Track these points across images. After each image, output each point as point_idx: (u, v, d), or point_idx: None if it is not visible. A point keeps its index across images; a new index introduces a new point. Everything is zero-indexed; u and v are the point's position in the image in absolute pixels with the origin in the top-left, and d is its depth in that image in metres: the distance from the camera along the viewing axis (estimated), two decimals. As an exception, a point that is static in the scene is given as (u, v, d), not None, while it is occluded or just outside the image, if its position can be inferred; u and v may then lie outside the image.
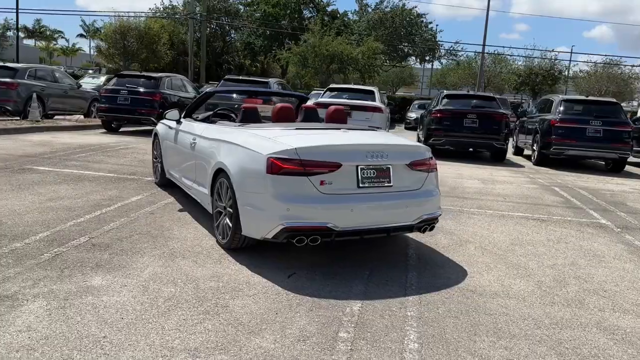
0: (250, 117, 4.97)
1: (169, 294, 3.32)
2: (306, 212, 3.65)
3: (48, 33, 71.86)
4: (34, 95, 13.02)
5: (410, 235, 4.92)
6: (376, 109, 12.35)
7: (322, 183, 3.69)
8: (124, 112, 12.84)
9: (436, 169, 4.38)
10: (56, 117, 14.77)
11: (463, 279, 3.98)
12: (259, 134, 4.20)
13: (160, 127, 6.48)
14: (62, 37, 59.93)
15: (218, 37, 45.53)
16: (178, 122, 5.76)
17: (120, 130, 13.72)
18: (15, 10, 32.95)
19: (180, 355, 2.58)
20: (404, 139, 4.67)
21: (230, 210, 4.05)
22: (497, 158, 12.62)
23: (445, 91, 15.05)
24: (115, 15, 33.94)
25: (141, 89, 12.86)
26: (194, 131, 5.15)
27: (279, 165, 3.65)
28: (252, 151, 3.90)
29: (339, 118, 5.18)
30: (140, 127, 14.05)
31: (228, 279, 3.65)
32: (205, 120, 5.62)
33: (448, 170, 9.85)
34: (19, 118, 12.90)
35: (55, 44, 72.93)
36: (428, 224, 4.18)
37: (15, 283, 3.30)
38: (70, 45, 73.97)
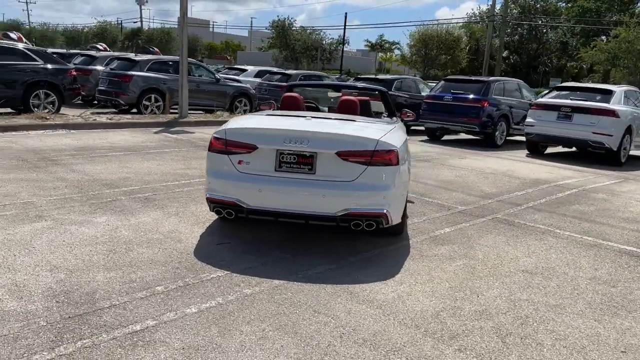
0: (288, 105, 5.35)
1: (126, 236, 4.29)
2: (221, 186, 4.05)
3: (387, 45, 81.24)
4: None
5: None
6: (604, 112, 10.27)
7: (239, 162, 4.00)
8: (446, 120, 12.55)
9: (391, 164, 3.98)
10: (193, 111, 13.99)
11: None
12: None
13: None
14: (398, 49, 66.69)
15: (532, 38, 43.05)
16: None
17: (444, 139, 13.55)
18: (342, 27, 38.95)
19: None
20: (358, 128, 4.26)
21: None
22: None
23: None
24: (421, 25, 36.17)
25: (467, 95, 12.37)
26: None
27: (212, 144, 4.15)
28: None
29: (348, 108, 5.08)
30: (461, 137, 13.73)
31: (175, 234, 4.37)
32: None
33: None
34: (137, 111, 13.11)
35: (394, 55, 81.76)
36: (361, 220, 3.90)
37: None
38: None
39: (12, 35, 18.58)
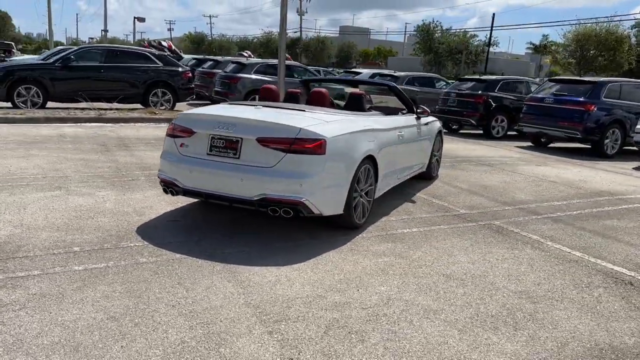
0: (264, 96, 5.55)
1: (104, 207, 4.95)
2: (166, 167, 4.44)
3: (553, 47, 74.67)
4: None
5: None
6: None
7: (181, 145, 4.36)
8: (545, 125, 11.36)
9: (314, 153, 3.97)
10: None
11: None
12: None
13: None
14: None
15: None
16: None
17: (550, 146, 12.45)
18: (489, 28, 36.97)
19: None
20: (287, 117, 4.26)
21: None
22: None
23: None
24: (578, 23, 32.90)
25: (570, 98, 11.03)
26: None
27: (168, 129, 4.57)
28: None
29: (317, 100, 5.12)
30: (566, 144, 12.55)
31: (145, 210, 4.89)
32: None
33: None
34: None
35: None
36: (278, 207, 3.97)
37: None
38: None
39: (164, 43, 21.40)
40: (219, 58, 19.57)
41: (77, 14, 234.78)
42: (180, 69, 13.78)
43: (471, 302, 3.32)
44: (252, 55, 27.93)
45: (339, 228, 4.58)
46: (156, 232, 4.31)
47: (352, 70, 21.43)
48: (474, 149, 10.95)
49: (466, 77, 16.51)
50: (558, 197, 6.60)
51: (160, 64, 13.42)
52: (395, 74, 17.10)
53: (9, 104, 11.70)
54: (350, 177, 4.37)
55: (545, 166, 9.13)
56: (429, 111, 6.47)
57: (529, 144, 12.55)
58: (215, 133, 4.18)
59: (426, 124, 6.56)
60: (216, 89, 15.20)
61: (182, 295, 3.18)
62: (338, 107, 5.83)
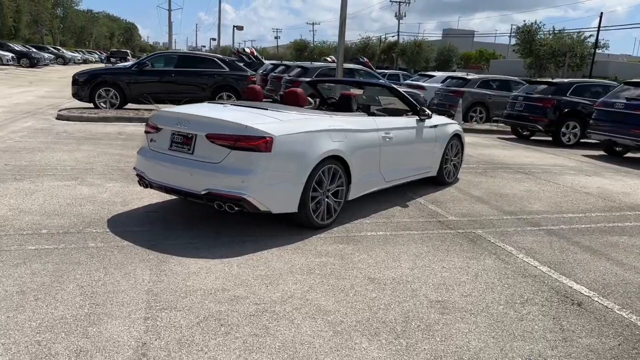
0: (248, 96, 5.75)
1: (101, 197, 5.42)
2: (139, 160, 4.76)
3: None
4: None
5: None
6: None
7: (151, 141, 4.65)
8: (615, 132, 10.51)
9: (258, 150, 4.04)
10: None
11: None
12: None
13: None
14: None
15: None
16: None
17: (627, 156, 11.50)
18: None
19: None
20: (239, 115, 4.37)
21: None
22: None
23: None
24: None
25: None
26: None
27: (145, 126, 4.90)
28: None
29: (289, 99, 5.15)
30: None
31: (133, 201, 5.27)
32: None
33: None
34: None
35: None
36: (222, 202, 4.10)
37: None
38: None
39: (247, 49, 22.49)
40: (289, 63, 20.12)
41: (196, 24, 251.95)
42: (245, 74, 14.40)
43: (373, 307, 3.20)
44: (336, 60, 28.28)
45: (305, 227, 4.58)
46: (126, 221, 4.63)
47: (427, 74, 20.90)
48: (526, 156, 10.24)
49: (538, 79, 15.43)
50: (578, 209, 6.01)
51: (227, 69, 14.13)
52: (467, 77, 16.44)
53: (91, 105, 13.01)
54: (305, 177, 4.37)
55: (596, 176, 8.31)
56: (429, 113, 6.22)
57: (602, 152, 11.45)
58: (175, 129, 4.41)
59: (435, 126, 6.32)
60: (280, 92, 15.67)
61: (98, 278, 3.42)
62: (332, 106, 5.83)
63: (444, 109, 15.79)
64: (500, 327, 3.05)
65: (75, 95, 12.92)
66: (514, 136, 13.82)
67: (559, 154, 10.94)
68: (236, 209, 4.13)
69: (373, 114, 6.37)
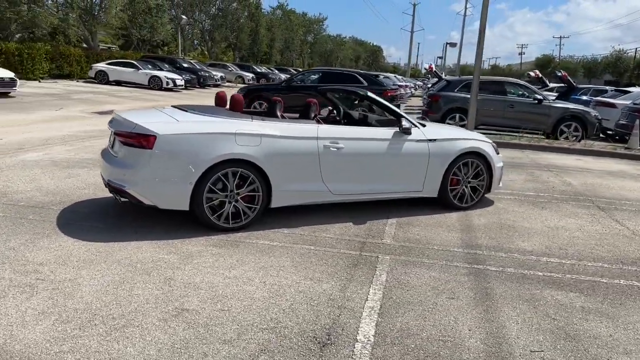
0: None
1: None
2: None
3: None
4: None
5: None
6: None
7: (109, 142, 5.34)
8: None
9: (142, 147, 4.34)
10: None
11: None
12: None
13: None
14: None
15: None
16: None
17: None
18: None
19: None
20: (141, 116, 4.68)
21: None
22: None
23: None
24: None
25: None
26: None
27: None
28: None
29: (234, 105, 5.21)
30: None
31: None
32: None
33: None
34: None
35: None
36: (115, 191, 4.54)
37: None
38: None
39: (425, 65, 22.14)
40: (452, 78, 19.08)
41: (445, 43, 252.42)
42: (382, 88, 14.47)
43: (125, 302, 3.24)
44: (540, 75, 25.53)
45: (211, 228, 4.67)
46: (91, 204, 5.36)
47: (624, 89, 17.31)
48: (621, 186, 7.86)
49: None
50: (588, 256, 4.57)
51: (366, 84, 14.42)
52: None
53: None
54: (196, 177, 4.46)
55: None
56: (409, 126, 5.48)
57: None
58: (111, 129, 5.02)
59: (430, 140, 5.58)
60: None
61: (2, 240, 4.13)
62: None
63: (625, 131, 13.37)
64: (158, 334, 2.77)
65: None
66: None
67: None
68: (123, 199, 4.52)
69: (360, 124, 6.06)
